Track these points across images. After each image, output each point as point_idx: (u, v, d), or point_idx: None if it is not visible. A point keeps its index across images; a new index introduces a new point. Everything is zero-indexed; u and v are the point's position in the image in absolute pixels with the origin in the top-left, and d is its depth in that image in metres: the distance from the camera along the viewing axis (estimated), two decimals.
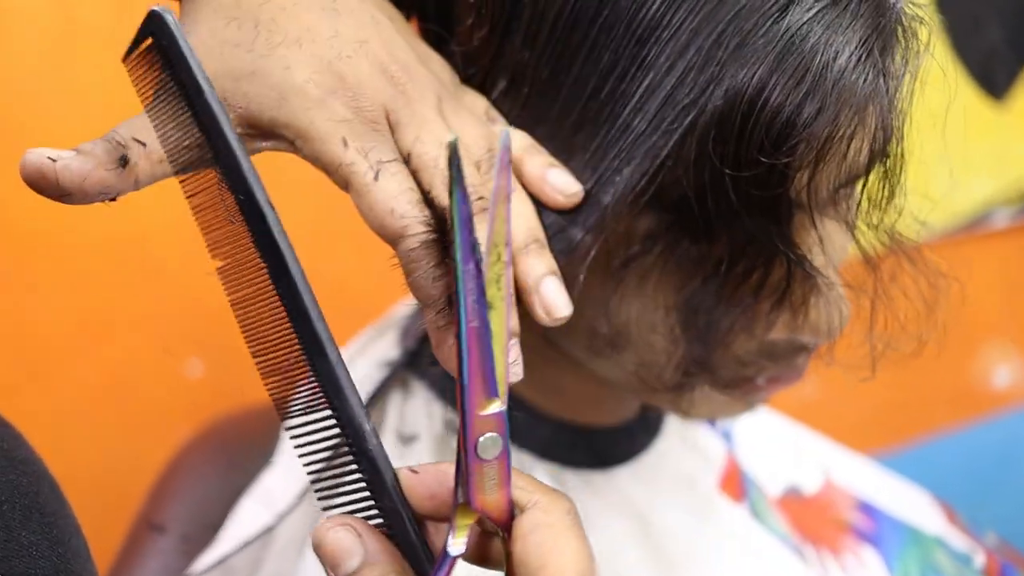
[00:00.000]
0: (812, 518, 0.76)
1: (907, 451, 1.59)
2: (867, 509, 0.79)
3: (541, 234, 0.47)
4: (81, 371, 1.01)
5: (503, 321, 0.37)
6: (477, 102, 0.51)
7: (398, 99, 0.45)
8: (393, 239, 0.43)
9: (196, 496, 0.69)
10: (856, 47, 0.46)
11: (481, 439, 0.38)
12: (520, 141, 0.49)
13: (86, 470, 1.00)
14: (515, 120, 0.51)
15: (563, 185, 0.48)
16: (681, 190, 0.48)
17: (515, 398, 0.64)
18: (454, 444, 0.63)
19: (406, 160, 0.44)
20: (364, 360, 0.68)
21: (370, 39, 0.45)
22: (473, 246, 0.36)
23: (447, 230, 0.42)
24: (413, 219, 0.43)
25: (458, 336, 0.36)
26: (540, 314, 0.45)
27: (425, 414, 0.64)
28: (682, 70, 0.46)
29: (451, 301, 0.43)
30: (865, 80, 0.46)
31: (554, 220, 0.49)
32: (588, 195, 0.48)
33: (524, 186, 0.48)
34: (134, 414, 1.03)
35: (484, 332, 0.37)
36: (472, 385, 0.37)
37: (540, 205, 0.49)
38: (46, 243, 0.98)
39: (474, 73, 0.52)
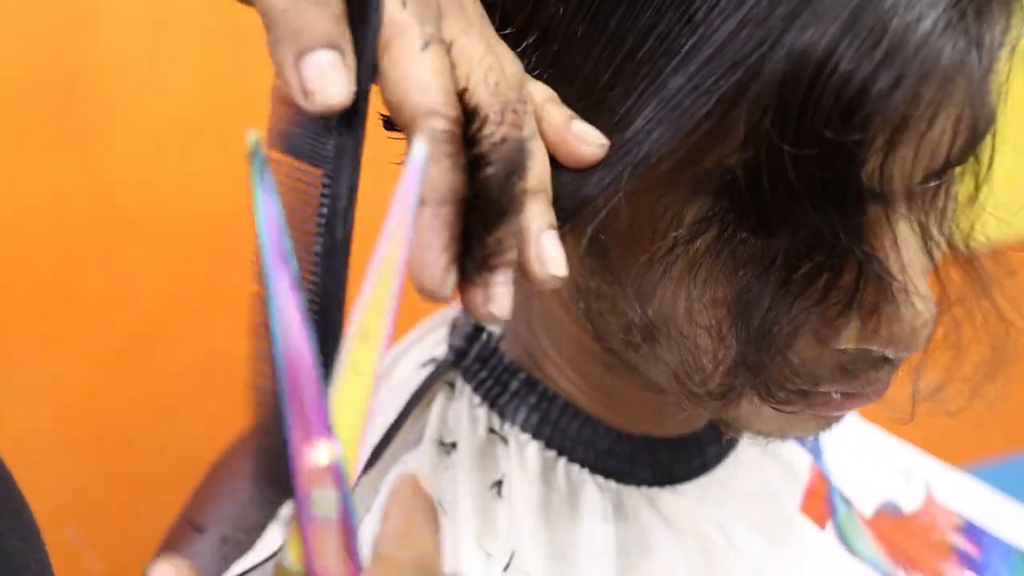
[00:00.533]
0: (909, 540, 0.69)
1: (1007, 463, 1.49)
2: (973, 531, 0.72)
3: (549, 187, 0.43)
4: (185, 350, 1.01)
5: (374, 357, 0.32)
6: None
7: None
8: (414, 117, 0.39)
9: (238, 498, 0.66)
10: (944, 8, 0.40)
11: (313, 494, 0.31)
12: (542, 93, 0.45)
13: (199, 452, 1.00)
14: (541, 78, 0.46)
15: (588, 135, 0.44)
16: (731, 171, 0.42)
17: (568, 405, 0.59)
18: (496, 452, 0.59)
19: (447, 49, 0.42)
20: (407, 360, 0.64)
21: None
22: (284, 256, 0.31)
23: (472, 132, 0.40)
24: (443, 104, 0.40)
25: (272, 357, 0.31)
26: (534, 265, 0.41)
27: (468, 418, 0.60)
28: (735, 25, 0.41)
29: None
30: (953, 48, 0.40)
31: (568, 179, 0.45)
32: (609, 157, 0.44)
33: (544, 135, 0.45)
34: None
35: (303, 358, 0.31)
36: (293, 423, 0.31)
37: (555, 166, 0.45)
38: (147, 221, 0.98)
39: (509, 33, 0.47)
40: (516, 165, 0.40)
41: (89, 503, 1.02)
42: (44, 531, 0.50)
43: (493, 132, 0.40)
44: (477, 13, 0.44)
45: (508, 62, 0.43)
